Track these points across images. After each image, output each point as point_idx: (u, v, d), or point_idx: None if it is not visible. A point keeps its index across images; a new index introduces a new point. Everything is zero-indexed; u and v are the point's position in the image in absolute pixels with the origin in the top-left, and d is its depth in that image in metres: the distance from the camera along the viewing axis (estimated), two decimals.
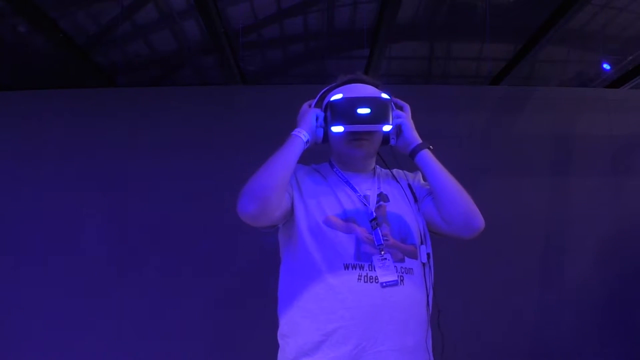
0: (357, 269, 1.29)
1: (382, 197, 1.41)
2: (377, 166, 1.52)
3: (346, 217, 1.35)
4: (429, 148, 1.41)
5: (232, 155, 3.21)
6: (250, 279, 3.09)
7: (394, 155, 1.50)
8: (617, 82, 3.66)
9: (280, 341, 1.37)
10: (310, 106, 1.47)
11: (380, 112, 1.35)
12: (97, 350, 3.08)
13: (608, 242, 3.27)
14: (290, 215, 1.38)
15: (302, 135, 1.36)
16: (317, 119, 1.41)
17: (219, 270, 3.15)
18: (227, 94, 3.45)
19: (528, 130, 3.37)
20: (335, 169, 1.47)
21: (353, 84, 1.44)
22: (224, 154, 3.25)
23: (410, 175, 1.52)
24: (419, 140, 1.42)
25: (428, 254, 1.37)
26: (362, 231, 1.33)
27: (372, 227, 1.34)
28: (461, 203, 1.35)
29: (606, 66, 3.76)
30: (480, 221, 1.35)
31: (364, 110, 1.34)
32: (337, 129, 1.37)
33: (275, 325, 1.40)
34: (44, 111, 3.35)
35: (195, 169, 3.24)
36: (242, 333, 3.08)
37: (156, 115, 3.33)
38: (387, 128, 1.39)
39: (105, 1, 3.15)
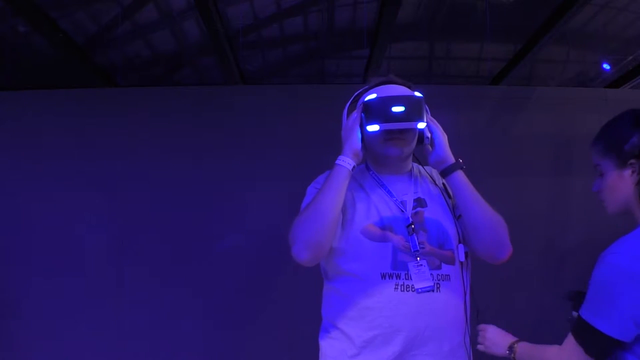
0: (394, 278, 1.31)
1: (419, 202, 1.40)
2: (415, 165, 1.50)
3: (383, 224, 1.35)
4: (463, 168, 1.40)
5: (232, 155, 3.21)
6: (253, 279, 3.09)
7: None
8: (617, 82, 3.65)
9: (322, 342, 1.40)
10: (354, 120, 1.40)
11: (414, 110, 1.34)
12: (96, 350, 3.08)
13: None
14: None
15: (346, 164, 1.34)
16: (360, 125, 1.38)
17: (219, 271, 3.14)
18: (227, 94, 3.44)
19: (528, 130, 3.36)
20: (371, 172, 1.46)
21: (385, 85, 1.45)
22: (223, 153, 3.25)
23: None
24: (453, 159, 1.40)
25: (466, 252, 1.38)
26: (398, 239, 1.34)
27: (408, 232, 1.34)
28: (491, 235, 1.35)
29: (606, 66, 3.76)
30: (506, 253, 1.36)
31: (398, 109, 1.33)
32: (373, 127, 1.35)
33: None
34: (44, 111, 3.34)
35: (196, 169, 3.23)
36: (243, 333, 3.08)
37: (156, 115, 3.33)
38: (421, 125, 1.38)
39: (105, 1, 3.15)
